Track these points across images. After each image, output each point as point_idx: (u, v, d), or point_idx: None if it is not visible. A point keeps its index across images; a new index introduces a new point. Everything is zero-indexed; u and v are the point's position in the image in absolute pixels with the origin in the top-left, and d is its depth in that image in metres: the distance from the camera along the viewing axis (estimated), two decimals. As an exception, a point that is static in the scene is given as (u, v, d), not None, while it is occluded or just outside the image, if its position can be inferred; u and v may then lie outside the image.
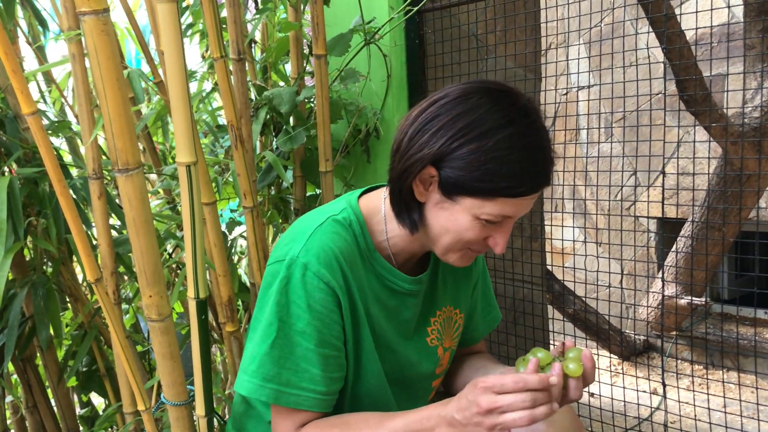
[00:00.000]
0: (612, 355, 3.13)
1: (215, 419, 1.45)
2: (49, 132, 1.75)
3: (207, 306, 1.34)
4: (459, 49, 2.18)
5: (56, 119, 1.92)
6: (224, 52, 1.53)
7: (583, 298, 2.82)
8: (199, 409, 1.37)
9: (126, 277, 1.97)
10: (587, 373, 1.06)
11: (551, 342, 2.52)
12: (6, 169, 1.62)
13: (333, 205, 1.22)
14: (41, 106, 2.17)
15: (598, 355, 3.11)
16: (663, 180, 3.00)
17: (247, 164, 1.62)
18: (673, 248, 2.86)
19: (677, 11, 2.66)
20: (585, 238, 3.27)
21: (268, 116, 1.98)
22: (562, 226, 3.42)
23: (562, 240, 3.30)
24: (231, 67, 1.73)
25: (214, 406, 1.45)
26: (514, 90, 1.10)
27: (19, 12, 2.14)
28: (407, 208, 1.13)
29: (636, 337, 3.27)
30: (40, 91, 2.15)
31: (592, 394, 2.65)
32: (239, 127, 1.59)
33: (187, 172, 1.23)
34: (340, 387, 1.18)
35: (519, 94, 1.09)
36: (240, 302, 1.98)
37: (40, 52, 2.22)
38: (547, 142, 1.08)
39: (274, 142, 2.02)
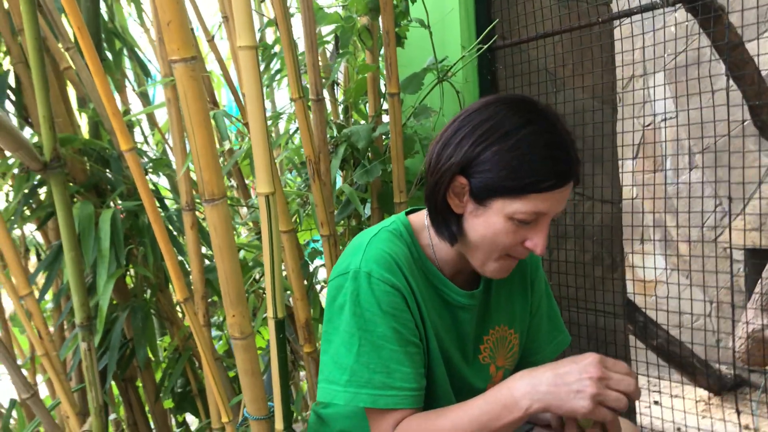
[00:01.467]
0: (700, 389, 3.04)
1: (293, 434, 1.54)
2: (150, 169, 1.94)
3: (285, 325, 1.44)
4: (531, 83, 2.24)
5: (156, 158, 2.10)
6: (302, 93, 1.66)
7: (667, 329, 2.77)
8: (278, 423, 1.46)
9: (218, 304, 2.12)
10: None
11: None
12: (111, 203, 1.81)
13: (384, 221, 1.30)
14: (145, 147, 2.39)
15: (682, 390, 3.04)
16: (743, 208, 2.92)
17: (324, 196, 1.73)
18: (762, 276, 2.77)
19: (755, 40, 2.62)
20: (667, 266, 3.21)
21: (347, 152, 2.10)
22: (643, 254, 3.37)
23: (644, 268, 3.25)
24: (312, 107, 1.86)
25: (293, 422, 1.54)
26: (530, 98, 1.16)
27: (127, 63, 2.38)
28: (445, 222, 1.18)
29: (725, 370, 3.16)
30: (143, 134, 2.36)
31: (678, 429, 2.59)
32: (317, 161, 1.71)
33: (266, 201, 1.34)
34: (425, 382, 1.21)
35: (536, 101, 1.15)
36: (319, 326, 2.08)
37: (144, 98, 2.45)
38: (569, 139, 1.12)
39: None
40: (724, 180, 2.68)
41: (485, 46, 2.11)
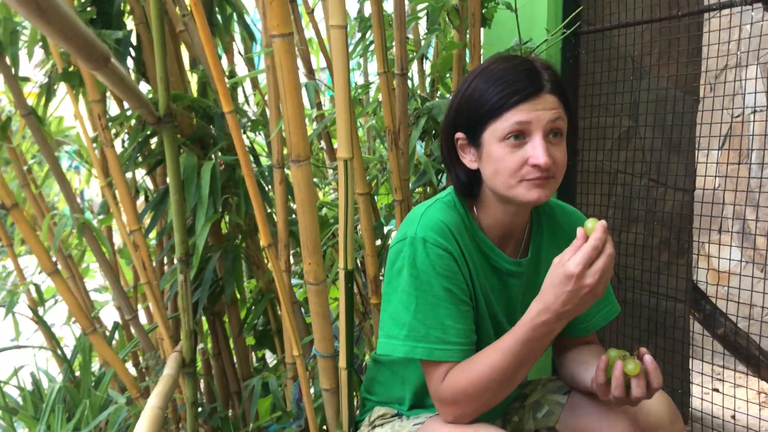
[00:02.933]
0: (763, 381, 3.04)
1: (354, 373, 1.73)
2: (248, 127, 2.14)
3: (354, 276, 1.62)
4: (614, 69, 2.30)
5: (255, 118, 2.30)
6: (388, 67, 1.82)
7: (736, 321, 2.79)
8: (342, 361, 1.65)
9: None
10: (651, 374, 1.21)
11: (691, 356, 2.54)
12: (213, 156, 2.02)
13: (440, 193, 1.43)
14: (246, 107, 2.61)
15: (746, 381, 3.05)
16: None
17: (400, 164, 1.89)
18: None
19: None
20: (743, 258, 3.20)
21: (428, 124, 2.23)
22: (720, 244, 3.35)
23: (719, 258, 3.24)
24: (396, 81, 2.00)
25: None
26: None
27: (236, 27, 2.59)
28: (468, 180, 1.35)
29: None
30: (244, 95, 2.57)
31: (734, 416, 2.63)
32: (396, 132, 1.87)
33: (344, 165, 1.51)
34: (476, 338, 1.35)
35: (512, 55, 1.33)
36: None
37: (249, 62, 2.66)
38: (521, 60, 1.28)
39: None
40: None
41: (569, 31, 2.18)
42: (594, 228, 1.14)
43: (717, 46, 2.25)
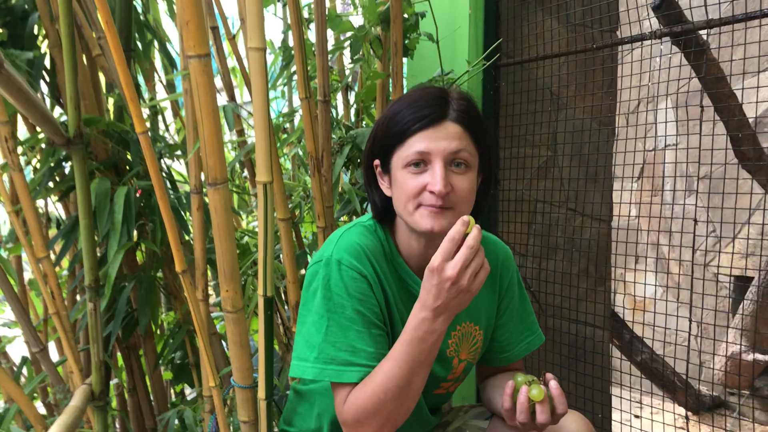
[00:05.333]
0: (680, 407, 3.13)
1: (273, 404, 1.68)
2: (165, 153, 2.09)
3: (273, 303, 1.58)
4: (533, 100, 2.36)
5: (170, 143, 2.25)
6: (310, 93, 1.81)
7: (652, 347, 2.87)
8: (261, 392, 1.60)
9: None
10: (556, 400, 1.22)
11: (612, 381, 2.59)
12: (128, 182, 1.96)
13: (362, 217, 1.43)
14: (166, 134, 2.55)
15: (662, 405, 3.12)
16: (734, 235, 3.00)
17: (323, 191, 1.87)
18: (742, 303, 2.86)
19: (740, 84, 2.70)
20: (657, 284, 3.30)
21: (352, 152, 2.23)
22: (635, 271, 3.46)
23: (635, 284, 3.34)
24: (319, 107, 1.99)
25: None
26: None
27: (157, 55, 2.55)
28: (383, 206, 1.37)
29: (705, 391, 3.23)
30: (164, 122, 2.52)
31: (653, 443, 2.68)
32: (318, 157, 1.85)
33: (264, 189, 1.48)
34: None
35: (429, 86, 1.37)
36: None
37: (170, 88, 2.61)
38: (434, 90, 1.30)
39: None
40: (718, 206, 2.77)
41: (489, 62, 2.23)
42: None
43: (630, 78, 2.34)
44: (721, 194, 2.00)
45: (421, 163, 1.24)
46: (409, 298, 1.38)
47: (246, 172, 2.62)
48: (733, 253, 3.28)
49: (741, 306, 2.89)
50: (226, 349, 2.03)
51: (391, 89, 2.10)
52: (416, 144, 1.24)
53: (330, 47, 2.20)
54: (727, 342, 2.88)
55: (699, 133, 1.94)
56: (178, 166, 2.45)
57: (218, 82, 2.20)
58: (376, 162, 1.34)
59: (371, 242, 1.34)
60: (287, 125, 2.66)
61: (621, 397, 2.50)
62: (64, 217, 2.28)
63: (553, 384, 1.24)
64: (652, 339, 2.84)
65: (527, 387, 1.23)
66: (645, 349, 2.88)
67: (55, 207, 2.28)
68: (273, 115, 2.30)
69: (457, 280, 1.14)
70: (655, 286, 3.38)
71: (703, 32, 1.91)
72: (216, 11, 2.31)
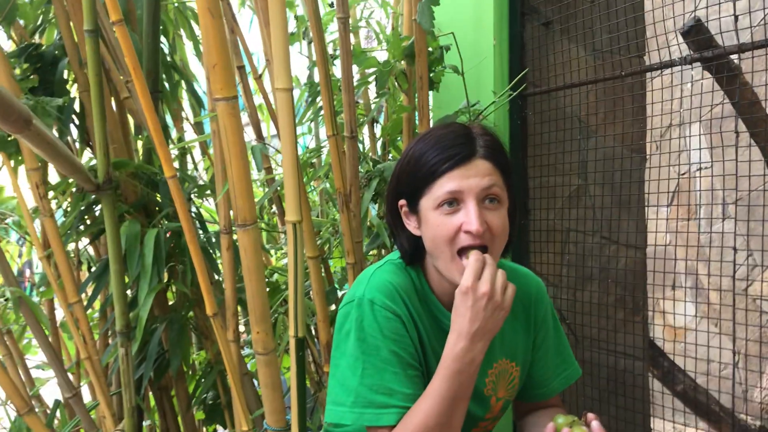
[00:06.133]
0: (725, 439, 3.02)
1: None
2: (195, 194, 2.10)
3: (306, 343, 1.56)
4: (562, 129, 2.33)
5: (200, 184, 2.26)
6: (337, 130, 1.80)
7: (694, 377, 2.78)
8: (294, 435, 1.57)
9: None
10: None
11: (652, 415, 2.52)
12: (158, 223, 1.96)
13: (391, 254, 1.41)
14: (195, 174, 2.56)
15: (711, 438, 3.02)
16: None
17: (352, 227, 1.86)
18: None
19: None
20: (697, 313, 3.21)
21: (380, 186, 2.22)
22: (674, 300, 3.38)
23: (674, 314, 3.26)
24: (346, 143, 1.99)
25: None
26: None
27: (185, 95, 2.57)
28: (412, 248, 1.33)
29: (751, 421, 3.12)
30: (193, 162, 2.54)
31: (697, 477, 2.59)
32: (346, 193, 1.84)
33: (293, 228, 1.47)
34: None
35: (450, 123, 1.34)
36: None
37: (198, 128, 2.64)
38: (458, 126, 1.28)
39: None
40: (756, 233, 2.71)
41: (516, 92, 2.22)
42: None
43: (660, 105, 2.31)
44: (760, 221, 1.94)
45: (453, 202, 1.22)
46: (442, 336, 1.33)
47: (275, 208, 2.61)
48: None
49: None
50: (258, 387, 2.02)
51: (417, 122, 2.09)
52: (447, 184, 1.21)
53: (355, 82, 2.20)
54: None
55: (735, 159, 1.89)
56: (208, 203, 2.46)
57: (245, 118, 2.21)
58: (402, 202, 1.31)
59: (403, 280, 1.31)
60: (314, 161, 2.66)
61: (663, 431, 2.43)
62: (94, 257, 2.29)
63: (595, 424, 1.20)
64: (694, 371, 2.76)
65: (569, 430, 1.19)
66: (686, 379, 2.79)
67: (86, 249, 2.29)
68: (300, 151, 2.30)
69: (492, 294, 1.14)
70: (695, 316, 3.29)
71: (734, 56, 1.88)
72: (242, 49, 2.33)
